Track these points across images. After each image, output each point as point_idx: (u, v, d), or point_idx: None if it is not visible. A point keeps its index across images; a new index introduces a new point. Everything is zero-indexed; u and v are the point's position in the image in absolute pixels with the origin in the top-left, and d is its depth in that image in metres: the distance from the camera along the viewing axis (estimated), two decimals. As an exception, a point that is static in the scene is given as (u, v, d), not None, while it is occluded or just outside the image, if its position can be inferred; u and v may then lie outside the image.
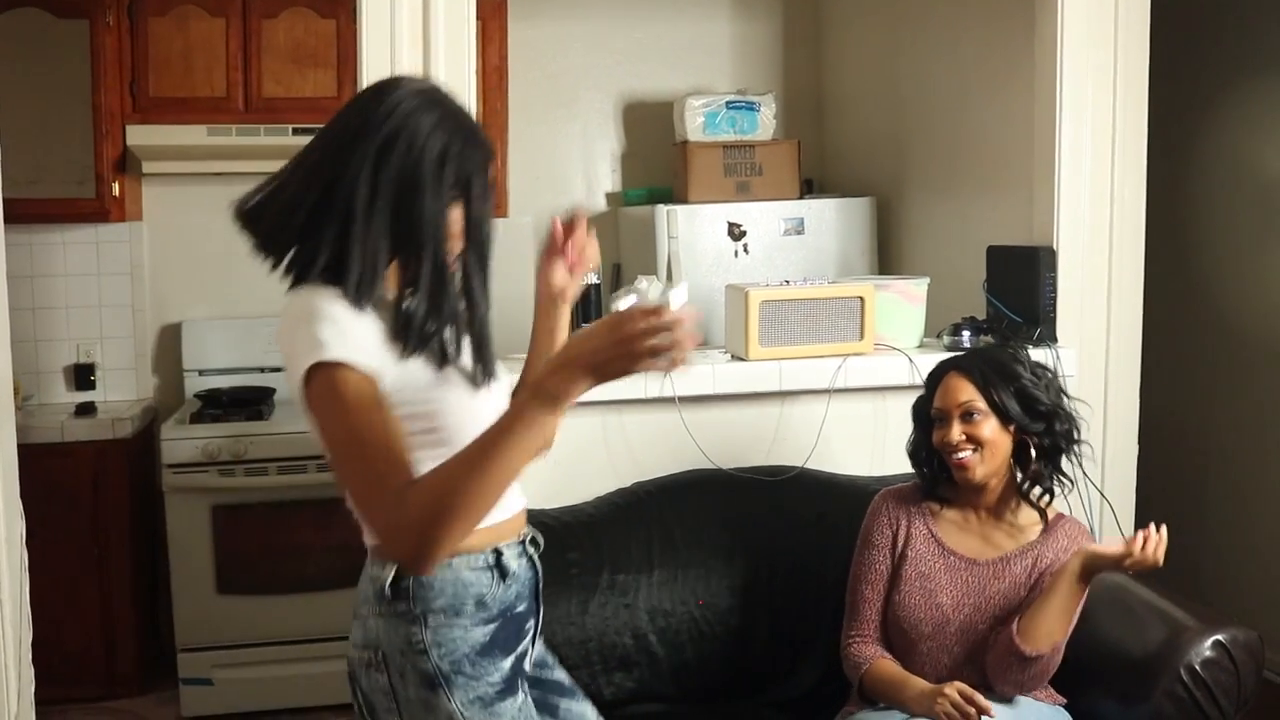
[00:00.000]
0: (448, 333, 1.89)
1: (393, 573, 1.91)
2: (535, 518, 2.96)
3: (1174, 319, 4.51)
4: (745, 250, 4.27)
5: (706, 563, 3.03)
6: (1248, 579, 4.47)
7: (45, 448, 4.20)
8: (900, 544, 2.77)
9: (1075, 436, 2.74)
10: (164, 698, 4.38)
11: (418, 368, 1.86)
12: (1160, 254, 3.86)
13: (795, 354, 3.21)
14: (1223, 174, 4.60)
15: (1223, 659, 2.60)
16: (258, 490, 4.29)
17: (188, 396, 4.73)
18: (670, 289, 1.87)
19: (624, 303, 1.80)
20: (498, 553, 1.97)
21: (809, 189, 4.76)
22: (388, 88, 1.87)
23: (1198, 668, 2.58)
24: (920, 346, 3.42)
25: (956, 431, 2.66)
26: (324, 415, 1.76)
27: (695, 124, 4.48)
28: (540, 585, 2.09)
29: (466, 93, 3.08)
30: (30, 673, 3.06)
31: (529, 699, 2.02)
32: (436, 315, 1.86)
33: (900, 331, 3.38)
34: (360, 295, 1.80)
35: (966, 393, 2.68)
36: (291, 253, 1.86)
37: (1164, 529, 2.50)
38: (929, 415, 2.77)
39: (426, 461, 1.75)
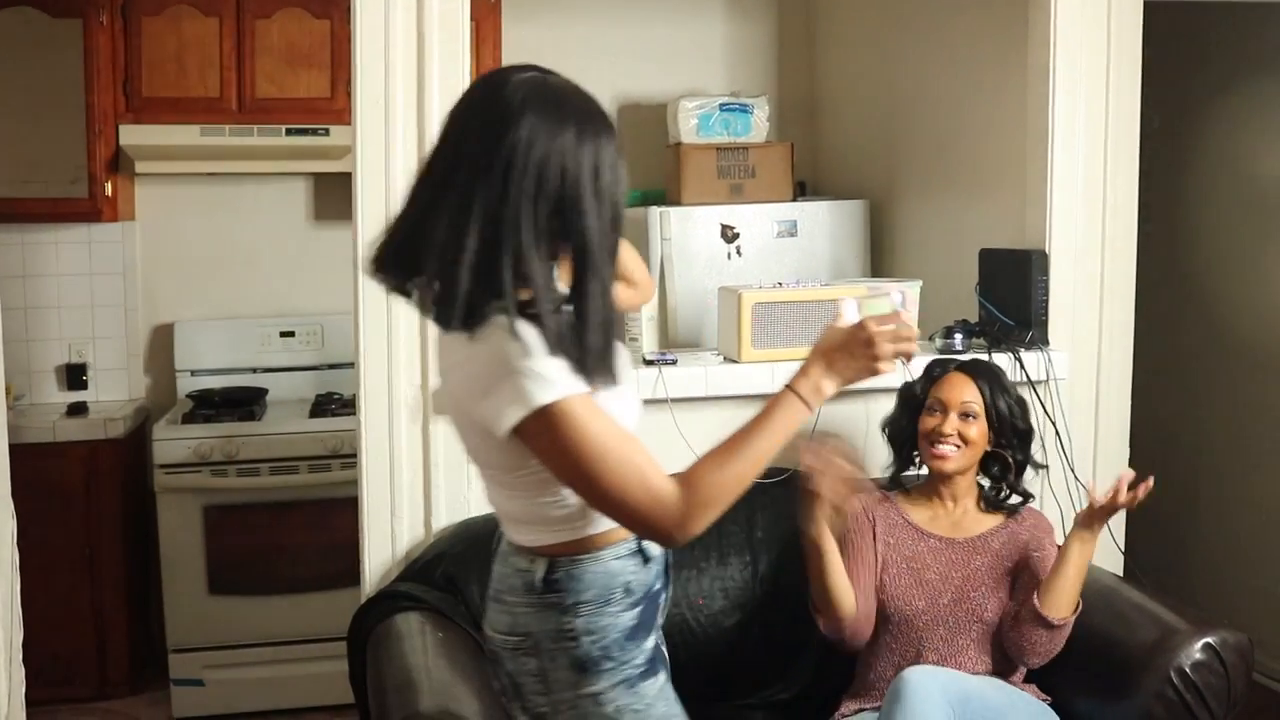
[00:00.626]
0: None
1: (544, 567, 1.95)
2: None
3: (1167, 322, 4.52)
4: (738, 252, 4.27)
5: (698, 564, 3.03)
6: (1238, 581, 4.48)
7: (37, 448, 4.19)
8: (879, 533, 2.91)
9: (1040, 461, 3.06)
10: (155, 698, 4.37)
11: None
12: (1154, 257, 3.87)
13: (788, 356, 3.21)
14: (1218, 176, 4.62)
15: (1212, 661, 2.61)
16: (250, 491, 4.28)
17: (180, 397, 4.72)
18: (891, 295, 2.05)
19: (847, 308, 2.01)
20: (640, 538, 1.99)
21: (802, 191, 4.77)
22: (507, 101, 1.80)
23: (1187, 670, 2.59)
24: (913, 349, 3.42)
25: (951, 425, 2.86)
26: (562, 448, 1.79)
27: (689, 126, 4.48)
28: (670, 559, 2.11)
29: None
30: (21, 673, 3.06)
31: (669, 680, 2.06)
32: (605, 333, 1.85)
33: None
34: (557, 337, 1.79)
35: (970, 393, 2.88)
36: (464, 292, 1.77)
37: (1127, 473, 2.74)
38: (919, 401, 2.96)
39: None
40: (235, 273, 4.89)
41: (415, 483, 3.10)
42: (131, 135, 4.37)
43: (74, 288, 4.75)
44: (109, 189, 4.41)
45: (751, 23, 5.12)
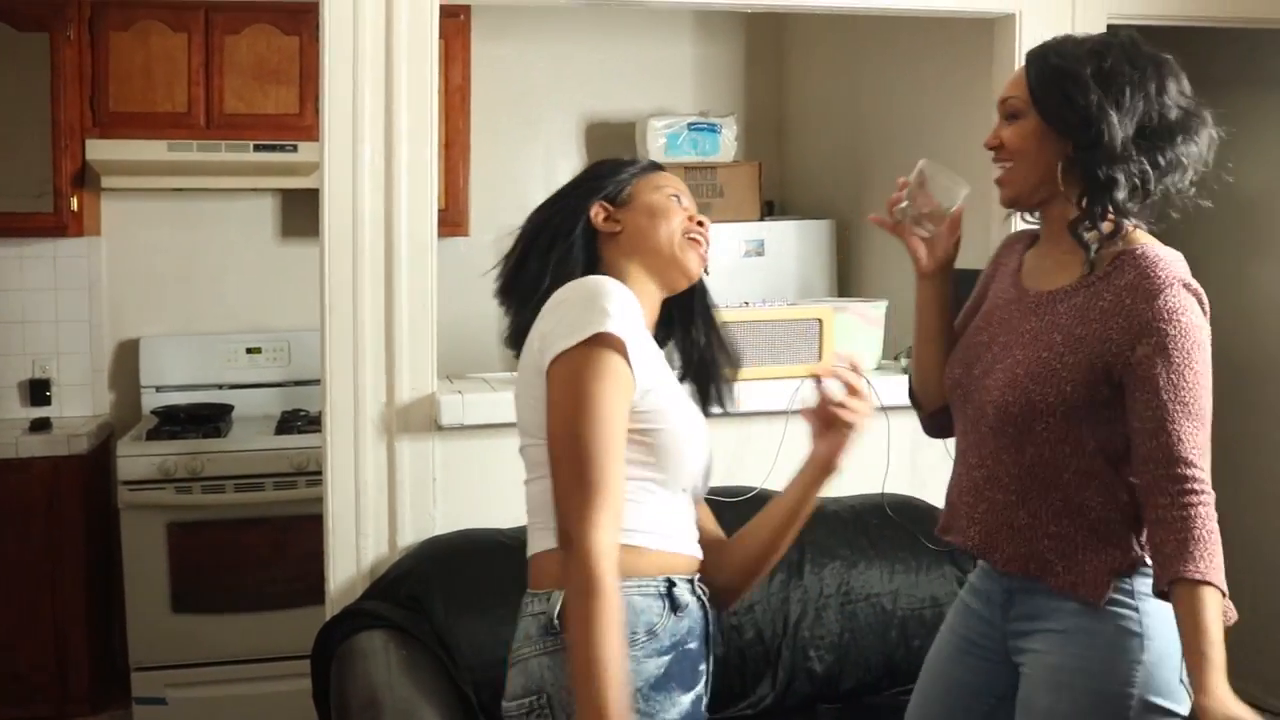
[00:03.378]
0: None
1: (560, 602, 1.82)
2: (494, 537, 2.98)
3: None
4: (706, 271, 4.27)
5: (664, 583, 3.03)
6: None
7: (0, 464, 4.16)
8: (994, 286, 2.27)
9: (1155, 165, 2.02)
10: (117, 717, 4.34)
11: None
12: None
13: (754, 375, 3.21)
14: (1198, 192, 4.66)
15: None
16: (214, 508, 4.26)
17: (144, 413, 4.69)
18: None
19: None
20: (670, 582, 1.90)
21: (770, 210, 4.79)
22: None
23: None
24: (878, 369, 3.44)
25: (994, 133, 2.13)
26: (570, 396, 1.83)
27: (657, 145, 4.50)
28: (711, 629, 1.99)
29: (429, 112, 3.09)
30: (-19, 691, 3.04)
31: None
32: None
33: (858, 354, 3.39)
34: None
35: (1015, 85, 2.10)
36: None
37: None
38: None
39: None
40: (202, 289, 4.86)
41: (381, 500, 3.09)
42: (98, 150, 4.35)
43: (39, 303, 4.71)
44: (75, 204, 4.39)
45: (720, 43, 5.15)
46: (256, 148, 4.45)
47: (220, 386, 4.79)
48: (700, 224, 2.05)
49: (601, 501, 1.75)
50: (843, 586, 3.08)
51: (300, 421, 4.54)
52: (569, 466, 1.78)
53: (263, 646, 4.29)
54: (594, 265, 2.00)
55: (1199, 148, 2.07)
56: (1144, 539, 2.01)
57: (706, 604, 1.98)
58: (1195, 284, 2.00)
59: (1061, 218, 2.08)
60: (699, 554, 2.00)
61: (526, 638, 1.89)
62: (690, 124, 4.56)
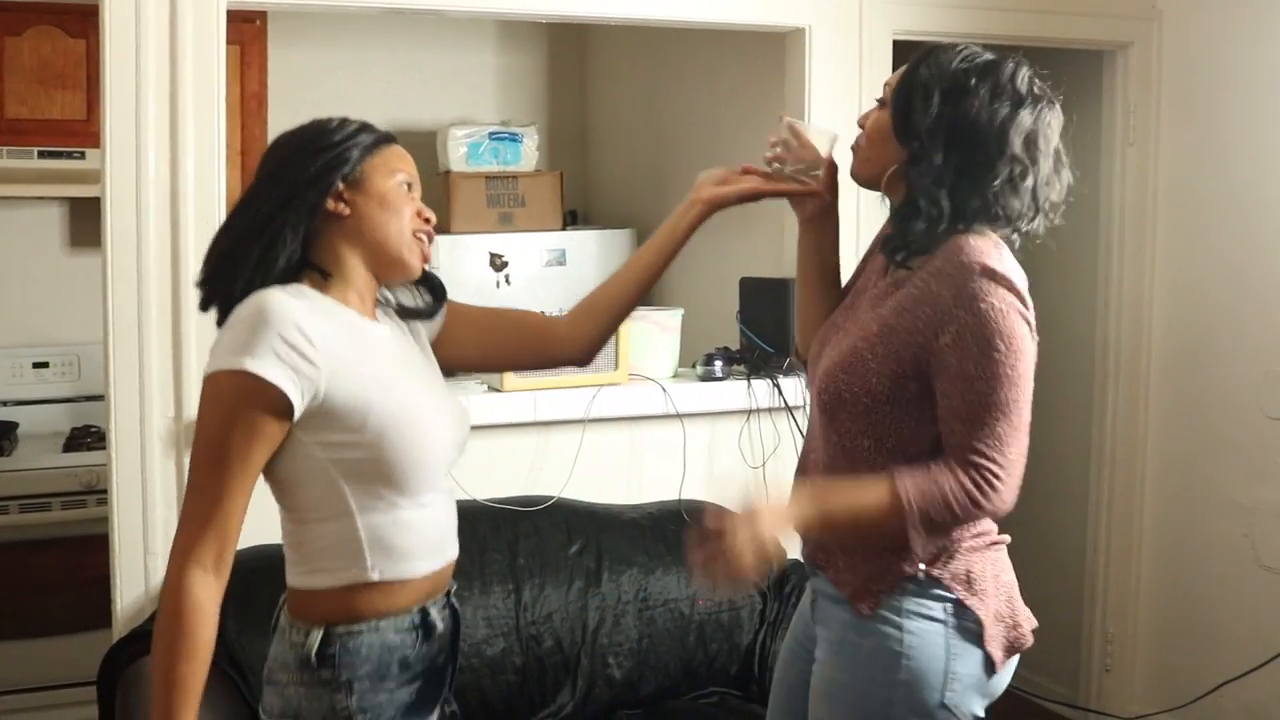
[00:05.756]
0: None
1: (318, 640, 1.84)
2: (275, 553, 2.92)
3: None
4: (507, 281, 4.29)
5: (460, 594, 3.02)
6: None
7: None
8: (871, 256, 2.25)
9: (969, 201, 1.96)
10: (-108, 753, 4.14)
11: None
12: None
13: (551, 384, 3.24)
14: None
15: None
16: (-3, 530, 4.09)
17: (-80, 432, 4.49)
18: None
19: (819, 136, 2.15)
20: (424, 612, 1.90)
21: (572, 220, 4.81)
22: None
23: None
24: (675, 376, 3.48)
25: (864, 112, 2.13)
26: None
27: (458, 154, 4.48)
28: (459, 629, 2.01)
29: (216, 118, 3.03)
30: None
31: None
32: None
33: (655, 362, 3.44)
34: None
35: (894, 76, 2.07)
36: None
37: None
38: None
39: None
40: (-19, 301, 4.67)
41: (169, 518, 3.01)
42: None
43: None
44: None
45: (523, 52, 5.16)
46: (41, 154, 4.29)
47: (5, 403, 4.60)
48: (428, 220, 1.96)
49: (207, 538, 1.79)
50: (641, 593, 3.12)
51: (90, 438, 4.38)
52: (189, 495, 1.79)
53: (50, 674, 4.12)
54: (309, 243, 1.87)
55: (1035, 180, 1.99)
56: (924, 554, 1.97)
57: (456, 606, 2.00)
58: (1003, 271, 1.91)
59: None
60: (455, 553, 1.99)
61: (284, 666, 1.89)
62: (492, 133, 4.55)
